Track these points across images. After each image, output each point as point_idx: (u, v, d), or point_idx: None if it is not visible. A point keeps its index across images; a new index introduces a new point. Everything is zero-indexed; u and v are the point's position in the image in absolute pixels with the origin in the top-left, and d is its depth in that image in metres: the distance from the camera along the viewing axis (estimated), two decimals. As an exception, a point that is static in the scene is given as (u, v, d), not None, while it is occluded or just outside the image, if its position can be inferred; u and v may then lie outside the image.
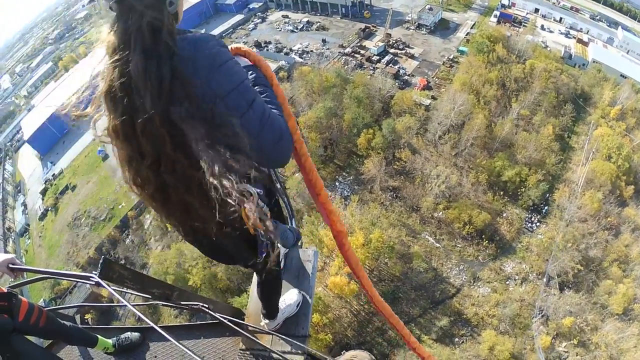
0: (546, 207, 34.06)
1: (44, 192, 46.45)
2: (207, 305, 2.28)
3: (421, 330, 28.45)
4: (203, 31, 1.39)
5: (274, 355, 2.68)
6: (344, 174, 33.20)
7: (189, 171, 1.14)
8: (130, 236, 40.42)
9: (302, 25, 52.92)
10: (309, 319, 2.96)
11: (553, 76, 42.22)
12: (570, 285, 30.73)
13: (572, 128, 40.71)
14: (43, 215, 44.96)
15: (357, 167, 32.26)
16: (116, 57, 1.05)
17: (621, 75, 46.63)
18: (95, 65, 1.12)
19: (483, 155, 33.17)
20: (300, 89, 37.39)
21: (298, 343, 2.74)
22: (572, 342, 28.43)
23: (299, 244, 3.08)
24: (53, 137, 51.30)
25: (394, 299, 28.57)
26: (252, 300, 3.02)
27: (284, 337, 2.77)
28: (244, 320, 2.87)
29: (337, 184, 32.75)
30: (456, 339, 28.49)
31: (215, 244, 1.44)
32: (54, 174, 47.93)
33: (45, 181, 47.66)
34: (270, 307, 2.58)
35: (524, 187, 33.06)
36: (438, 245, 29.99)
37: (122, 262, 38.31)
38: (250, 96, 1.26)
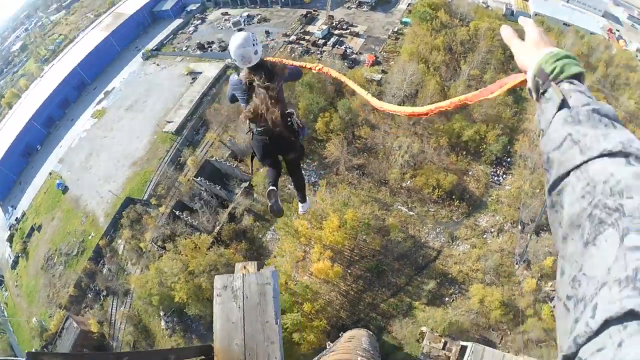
0: (509, 159, 34.87)
1: (10, 239, 43.93)
2: None
3: (411, 297, 28.74)
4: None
5: None
6: (307, 160, 32.72)
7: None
8: (106, 265, 39.06)
9: (243, 21, 51.65)
10: (279, 346, 2.80)
11: (498, 34, 42.92)
12: (544, 228, 31.49)
13: (523, 80, 41.65)
14: (15, 264, 42.76)
15: (320, 151, 31.88)
16: (253, 72, 3.37)
17: (564, 23, 48.14)
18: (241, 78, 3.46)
19: (440, 120, 33.48)
20: (252, 84, 36.52)
21: None
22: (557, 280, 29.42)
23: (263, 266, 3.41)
24: (8, 179, 48.26)
25: (379, 273, 28.67)
26: (217, 337, 2.88)
27: None
28: (212, 357, 2.81)
29: (302, 172, 32.35)
30: (446, 299, 28.94)
31: (280, 136, 3.49)
32: (16, 217, 45.24)
33: (10, 227, 44.91)
34: (304, 192, 4.63)
35: (484, 143, 33.67)
36: (412, 213, 30.19)
37: (104, 292, 37.07)
38: (290, 67, 3.62)
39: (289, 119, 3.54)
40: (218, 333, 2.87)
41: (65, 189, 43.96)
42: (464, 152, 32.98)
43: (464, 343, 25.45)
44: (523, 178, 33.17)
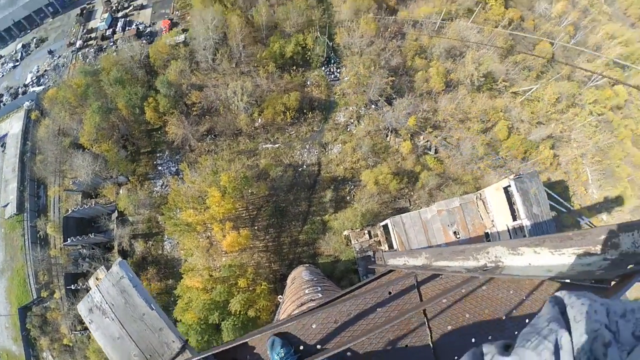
0: (336, 54, 35.26)
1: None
2: None
3: (319, 215, 29.19)
4: None
5: None
6: (158, 155, 29.55)
7: None
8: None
9: (19, 54, 41.59)
10: (169, 329, 2.60)
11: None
12: (394, 96, 33.53)
13: (316, -22, 40.76)
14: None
15: (164, 139, 28.78)
16: None
17: None
18: None
19: (259, 49, 31.88)
20: (61, 113, 30.40)
21: None
22: (426, 132, 32.12)
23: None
24: None
25: (281, 213, 28.48)
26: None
27: None
28: None
29: (159, 168, 29.19)
30: (347, 198, 29.95)
31: None
32: None
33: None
34: None
35: (308, 51, 33.27)
36: (277, 145, 29.64)
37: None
38: None
39: None
40: (114, 357, 2.64)
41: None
42: (294, 67, 32.38)
43: (383, 222, 27.16)
44: (355, 64, 34.06)
